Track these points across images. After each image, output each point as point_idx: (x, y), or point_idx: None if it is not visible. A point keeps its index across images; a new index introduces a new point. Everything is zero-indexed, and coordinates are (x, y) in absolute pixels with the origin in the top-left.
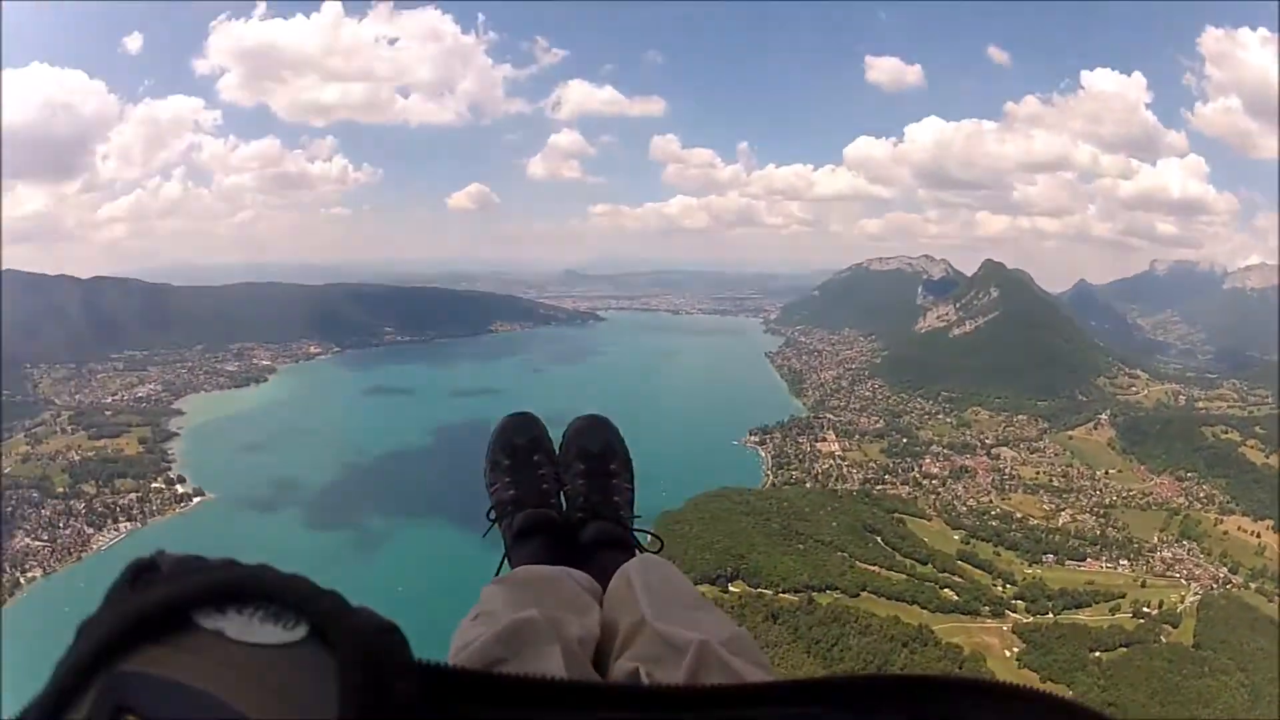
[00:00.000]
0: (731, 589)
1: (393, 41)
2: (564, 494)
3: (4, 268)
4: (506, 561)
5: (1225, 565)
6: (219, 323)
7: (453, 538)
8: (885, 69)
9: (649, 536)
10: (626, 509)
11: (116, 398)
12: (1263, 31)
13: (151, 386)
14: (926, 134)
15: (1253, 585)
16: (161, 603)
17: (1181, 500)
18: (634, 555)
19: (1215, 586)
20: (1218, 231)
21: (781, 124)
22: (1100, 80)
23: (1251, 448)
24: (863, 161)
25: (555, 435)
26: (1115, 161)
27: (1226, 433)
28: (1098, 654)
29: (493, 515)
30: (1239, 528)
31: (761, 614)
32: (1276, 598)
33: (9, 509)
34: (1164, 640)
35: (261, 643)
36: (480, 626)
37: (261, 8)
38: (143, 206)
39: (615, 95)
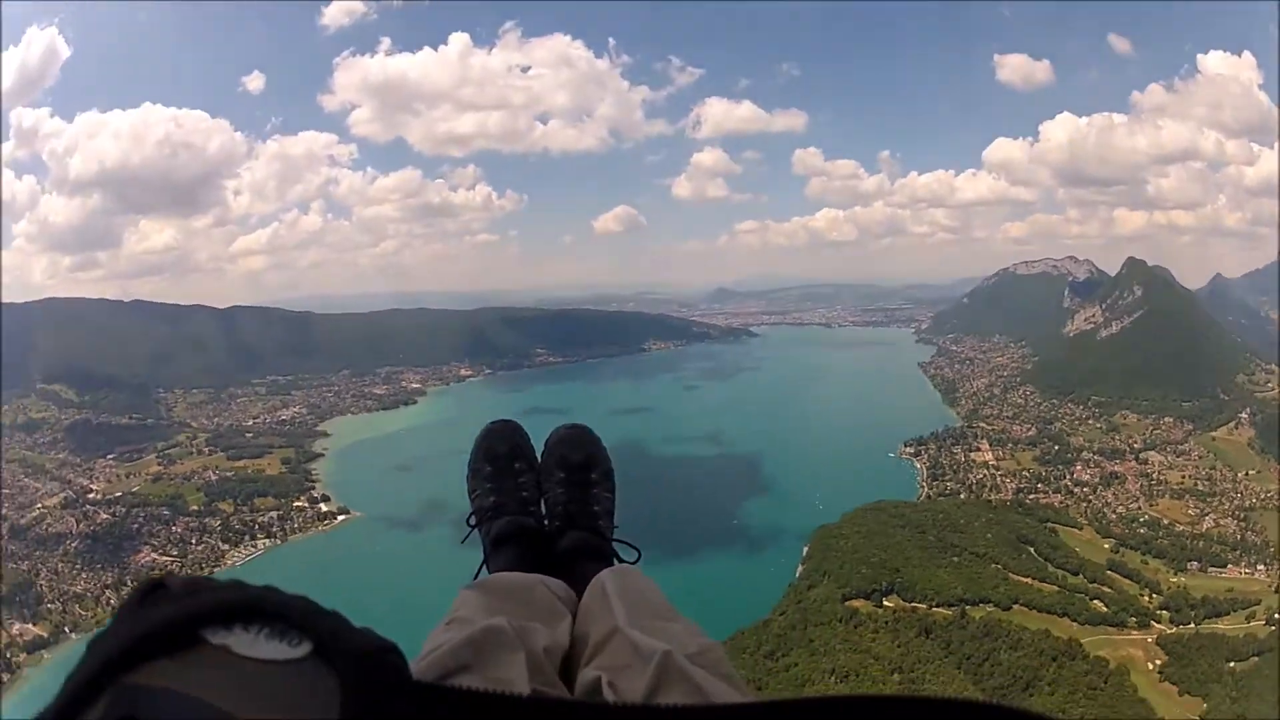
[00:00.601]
0: (886, 603)
1: (525, 70)
2: (544, 502)
3: (132, 299)
4: (485, 568)
5: None
6: (365, 348)
7: None
8: (1014, 67)
9: (628, 547)
10: (606, 519)
11: (258, 420)
12: None
13: (295, 410)
14: (1060, 131)
15: None
16: (171, 619)
17: None
18: (610, 565)
19: None
20: None
21: (920, 130)
22: (1215, 63)
23: None
24: (1002, 164)
25: (707, 458)
26: (1239, 147)
27: None
28: (1232, 664)
29: (473, 521)
30: None
31: (915, 629)
32: None
33: (135, 526)
34: None
35: (266, 658)
36: (451, 632)
37: (386, 43)
38: (280, 239)
39: (755, 111)
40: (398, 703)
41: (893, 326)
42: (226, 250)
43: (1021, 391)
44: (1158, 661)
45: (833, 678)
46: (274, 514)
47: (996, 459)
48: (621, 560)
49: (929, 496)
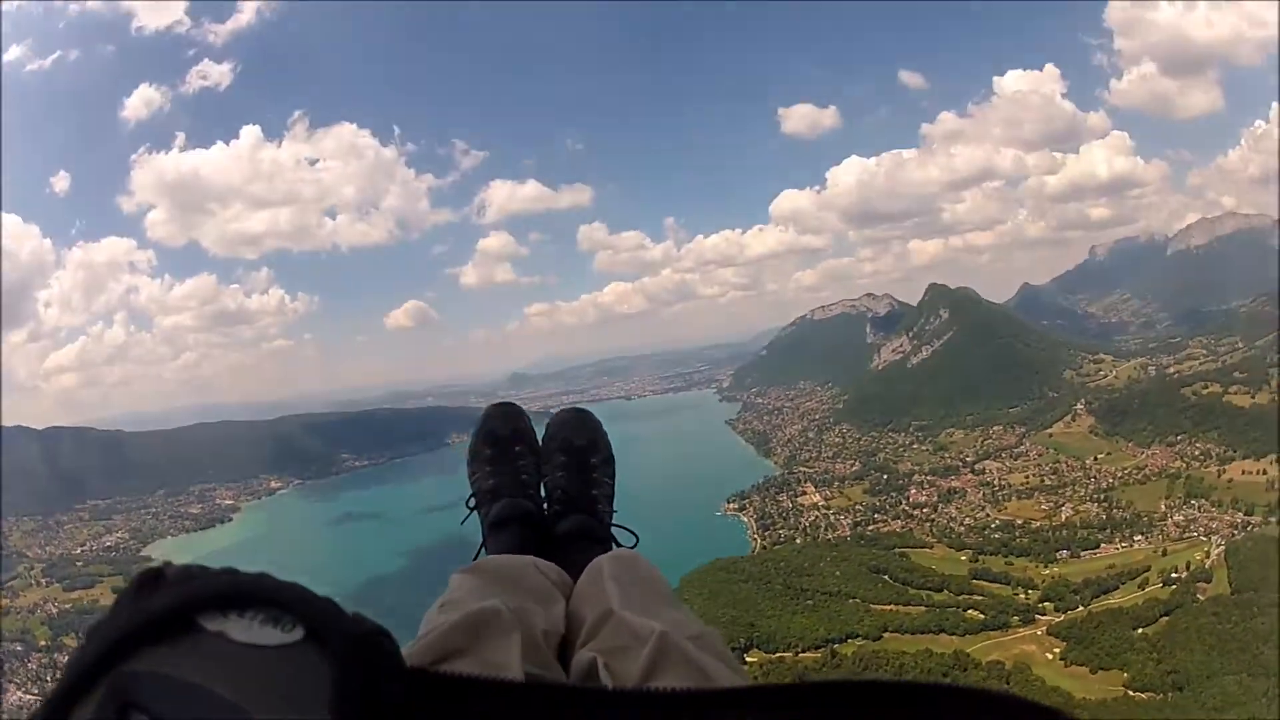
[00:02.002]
0: (749, 659)
1: (314, 162)
2: (544, 486)
3: None
4: (483, 550)
5: (1240, 510)
6: (176, 466)
7: None
8: (799, 117)
9: (626, 532)
10: (605, 504)
11: (85, 548)
12: None
13: (119, 535)
14: (848, 175)
15: (1273, 519)
16: (167, 607)
17: (1179, 464)
18: (609, 550)
19: (1236, 533)
20: (1151, 201)
21: (705, 193)
22: (1012, 82)
23: (1235, 394)
24: (789, 215)
25: None
26: (1040, 159)
27: (1207, 388)
28: (1141, 630)
29: (472, 504)
30: (1243, 471)
31: (787, 678)
32: None
33: None
34: (1202, 597)
35: (261, 643)
36: (445, 614)
37: (180, 138)
38: (88, 355)
39: (539, 189)
40: (388, 684)
41: (693, 390)
42: (41, 367)
43: (838, 430)
44: (1056, 650)
45: None
46: None
47: (825, 499)
48: (620, 545)
49: (764, 547)
